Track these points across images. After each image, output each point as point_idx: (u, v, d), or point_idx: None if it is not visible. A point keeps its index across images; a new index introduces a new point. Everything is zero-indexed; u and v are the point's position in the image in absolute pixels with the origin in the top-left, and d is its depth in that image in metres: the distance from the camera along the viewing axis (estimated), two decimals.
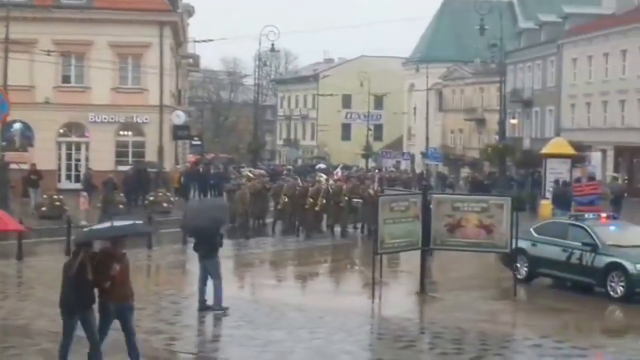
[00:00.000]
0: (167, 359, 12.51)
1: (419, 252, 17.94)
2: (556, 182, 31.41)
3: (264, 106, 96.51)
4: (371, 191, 27.96)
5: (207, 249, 15.49)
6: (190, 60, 57.92)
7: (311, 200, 27.68)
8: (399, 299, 17.85)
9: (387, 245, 17.32)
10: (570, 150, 36.04)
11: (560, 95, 58.37)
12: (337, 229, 28.24)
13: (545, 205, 32.29)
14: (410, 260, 18.94)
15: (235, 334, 14.03)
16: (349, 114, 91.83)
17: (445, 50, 77.29)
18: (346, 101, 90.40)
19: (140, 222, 12.27)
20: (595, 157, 44.34)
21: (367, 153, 74.92)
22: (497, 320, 15.82)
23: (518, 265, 18.91)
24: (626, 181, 46.13)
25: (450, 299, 17.46)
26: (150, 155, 41.61)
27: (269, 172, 46.67)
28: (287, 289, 19.25)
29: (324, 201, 27.79)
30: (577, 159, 38.29)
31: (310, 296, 18.35)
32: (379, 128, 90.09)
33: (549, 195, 32.40)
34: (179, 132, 45.86)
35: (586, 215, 19.24)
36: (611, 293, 17.17)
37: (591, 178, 30.88)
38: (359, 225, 29.00)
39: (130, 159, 41.61)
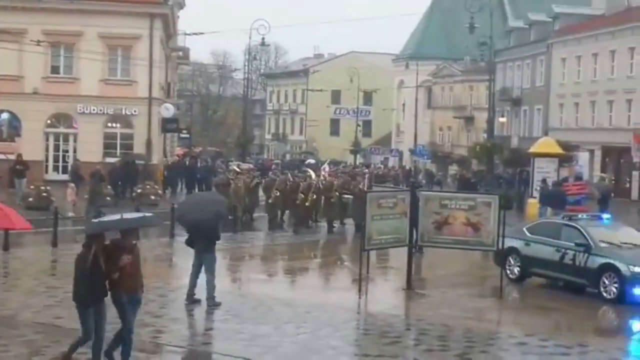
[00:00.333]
0: (153, 352, 12.48)
1: (406, 248, 17.97)
2: (544, 181, 31.48)
3: (253, 100, 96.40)
4: (362, 187, 28.00)
5: (205, 244, 15.39)
6: (180, 53, 57.79)
7: (302, 195, 27.75)
8: (386, 295, 17.90)
9: (375, 242, 17.32)
10: (558, 150, 36.17)
11: (549, 94, 58.57)
12: (325, 225, 28.29)
13: (533, 204, 32.38)
14: (399, 256, 18.95)
15: (222, 328, 14.04)
16: (338, 110, 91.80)
17: (435, 47, 77.42)
18: (335, 97, 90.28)
19: (150, 214, 12.37)
20: (583, 157, 44.61)
21: (356, 149, 75.01)
22: (483, 318, 15.86)
23: (510, 264, 18.94)
24: (613, 181, 46.34)
25: (437, 295, 17.49)
26: (139, 148, 41.49)
27: (258, 166, 46.68)
28: (274, 283, 19.25)
29: (315, 197, 27.86)
30: (565, 158, 38.47)
31: (298, 291, 18.34)
32: (367, 124, 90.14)
33: (536, 194, 32.52)
34: (168, 125, 45.76)
35: (580, 216, 19.26)
36: (604, 294, 17.10)
37: (578, 178, 31.04)
38: (348, 221, 29.00)
39: (118, 151, 41.47)
